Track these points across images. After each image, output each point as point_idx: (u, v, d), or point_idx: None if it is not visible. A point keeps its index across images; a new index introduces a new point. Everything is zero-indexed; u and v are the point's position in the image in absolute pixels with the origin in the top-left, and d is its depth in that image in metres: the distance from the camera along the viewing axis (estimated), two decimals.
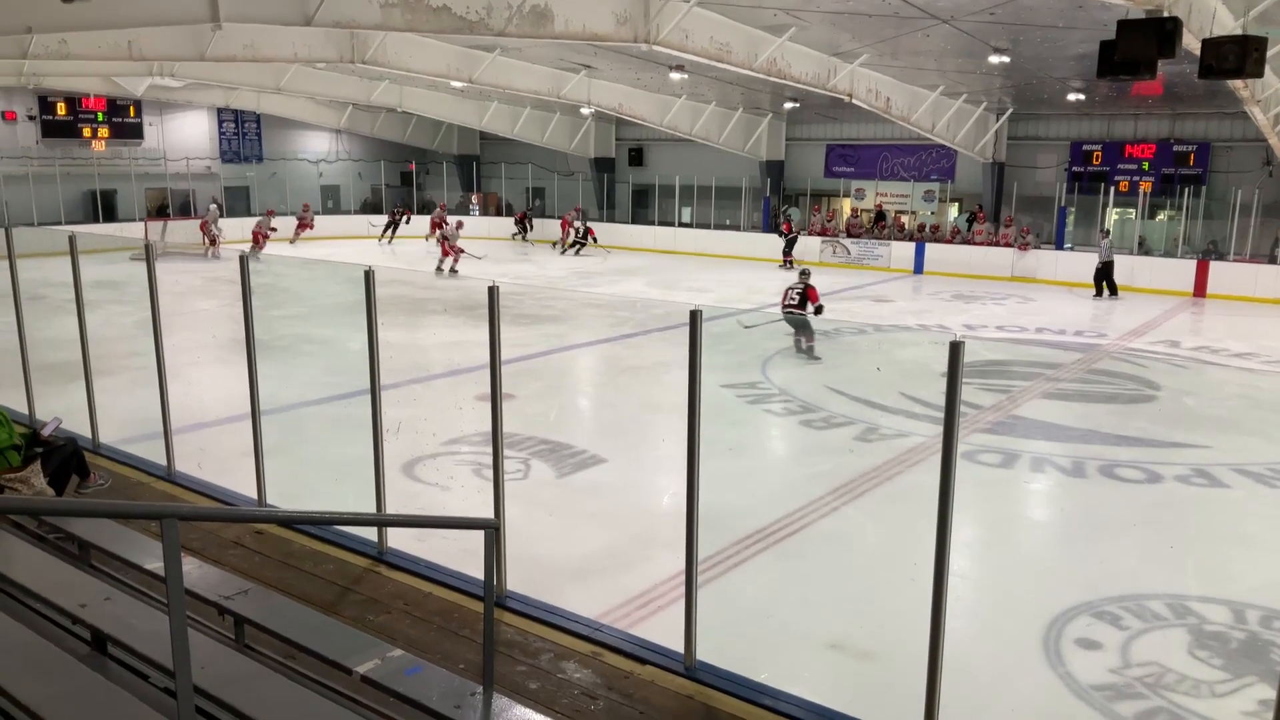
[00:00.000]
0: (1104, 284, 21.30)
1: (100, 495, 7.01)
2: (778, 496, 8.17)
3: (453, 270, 23.21)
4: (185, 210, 30.35)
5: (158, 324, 7.44)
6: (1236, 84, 14.68)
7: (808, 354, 14.72)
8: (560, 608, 5.49)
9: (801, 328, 14.66)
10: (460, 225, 25.50)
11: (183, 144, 31.55)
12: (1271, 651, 5.58)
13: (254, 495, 6.83)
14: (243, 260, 6.61)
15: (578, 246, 29.63)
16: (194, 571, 4.60)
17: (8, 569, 4.34)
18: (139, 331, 11.49)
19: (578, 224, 30.25)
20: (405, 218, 31.50)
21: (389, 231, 30.96)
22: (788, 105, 26.16)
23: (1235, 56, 9.45)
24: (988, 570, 7.05)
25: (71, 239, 7.86)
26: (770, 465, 9.75)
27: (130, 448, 8.23)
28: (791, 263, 25.17)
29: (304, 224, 29.86)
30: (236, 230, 28.59)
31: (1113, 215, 25.16)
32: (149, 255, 7.49)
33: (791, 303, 14.18)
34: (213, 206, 27.48)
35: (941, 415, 3.88)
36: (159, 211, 29.67)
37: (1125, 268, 22.62)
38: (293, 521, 6.30)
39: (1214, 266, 21.82)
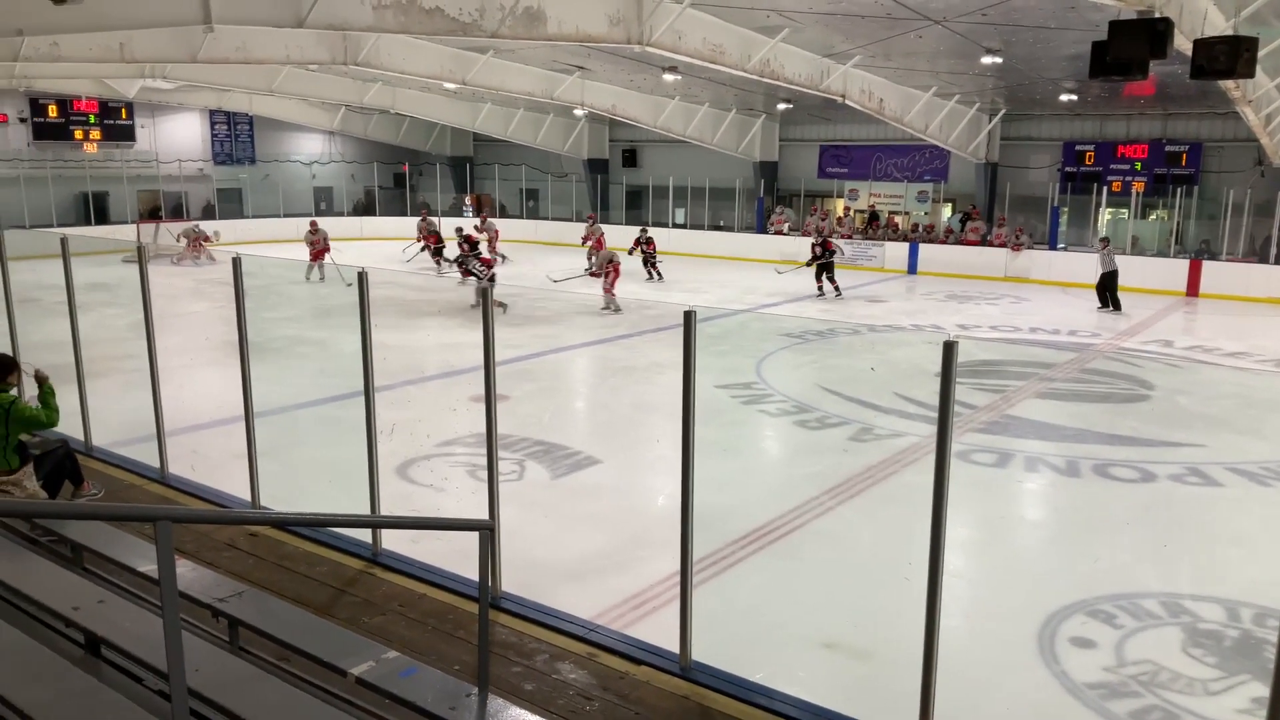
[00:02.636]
0: (1107, 295, 19.56)
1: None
2: (772, 497, 8.17)
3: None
4: (178, 212, 30.30)
5: (150, 326, 7.41)
6: (1228, 84, 14.75)
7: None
8: (555, 609, 5.49)
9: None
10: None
11: (175, 146, 31.48)
12: (1265, 649, 5.59)
13: (248, 497, 6.82)
14: (235, 263, 6.59)
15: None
16: (188, 574, 4.59)
17: (0, 572, 4.33)
18: (131, 334, 11.45)
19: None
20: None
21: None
22: (781, 106, 26.20)
23: (1226, 57, 9.50)
24: (982, 569, 7.06)
25: (63, 241, 7.83)
26: (765, 465, 9.75)
27: (123, 450, 8.20)
28: (835, 287, 20.94)
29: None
30: (230, 233, 28.54)
31: (1106, 215, 25.23)
32: (141, 258, 7.47)
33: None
34: (199, 225, 27.28)
35: (936, 415, 3.88)
36: (151, 214, 29.59)
37: (1119, 267, 22.66)
38: (287, 523, 6.29)
39: (1207, 266, 21.88)
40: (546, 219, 34.43)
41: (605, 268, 18.10)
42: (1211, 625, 5.92)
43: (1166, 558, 7.19)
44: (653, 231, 30.54)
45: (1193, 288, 21.75)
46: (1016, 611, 6.16)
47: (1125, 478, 8.81)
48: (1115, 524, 7.87)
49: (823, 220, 26.93)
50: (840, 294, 20.75)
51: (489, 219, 27.12)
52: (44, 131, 28.44)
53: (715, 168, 30.40)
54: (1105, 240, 20.55)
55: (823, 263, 20.89)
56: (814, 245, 21.16)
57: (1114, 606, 6.10)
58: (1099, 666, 5.41)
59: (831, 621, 5.99)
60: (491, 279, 17.92)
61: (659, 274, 23.27)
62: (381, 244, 29.55)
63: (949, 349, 3.73)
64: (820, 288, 20.88)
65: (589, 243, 23.10)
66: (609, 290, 17.92)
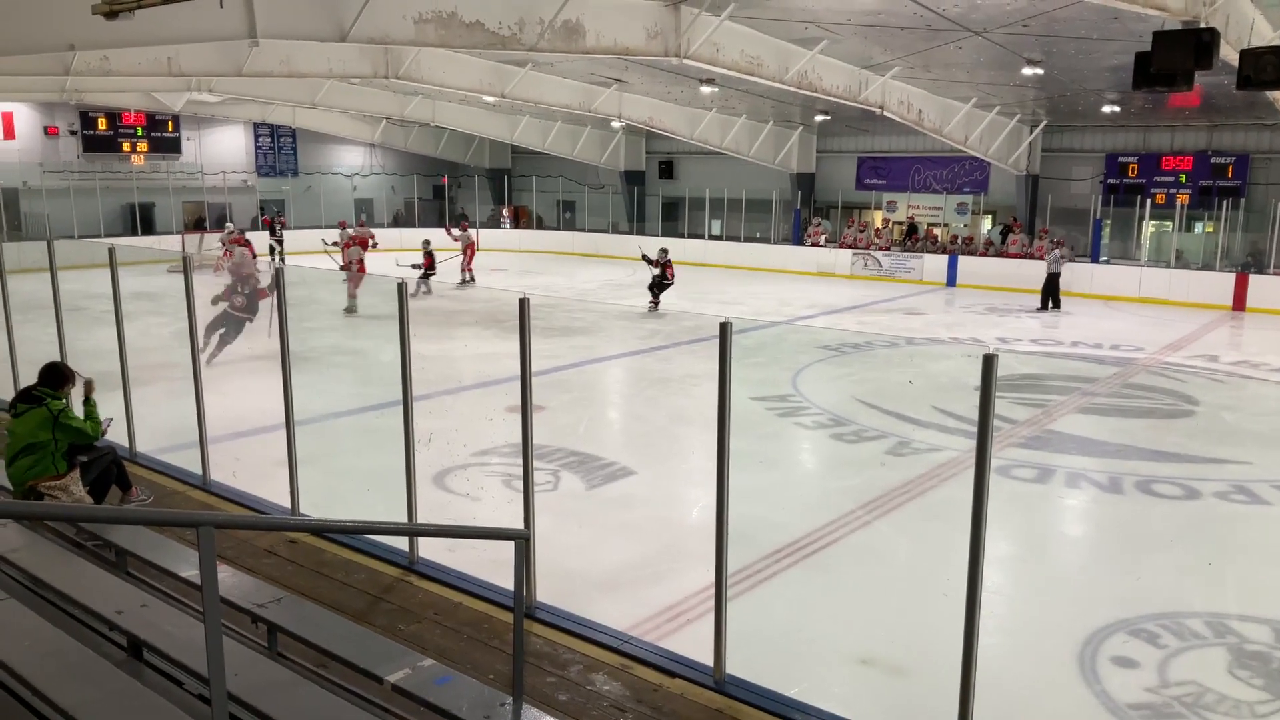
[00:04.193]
0: (1050, 297, 21.10)
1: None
2: (808, 510, 8.13)
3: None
4: (222, 224, 30.78)
5: (194, 335, 7.55)
6: (1276, 95, 14.50)
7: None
8: (590, 619, 5.49)
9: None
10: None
11: (220, 158, 32.05)
12: None
13: (287, 504, 6.90)
14: (278, 274, 6.69)
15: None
16: (228, 579, 4.65)
17: (47, 575, 4.41)
18: (175, 342, 11.65)
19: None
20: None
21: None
22: (818, 118, 26.13)
23: (1274, 67, 9.33)
24: (1022, 586, 6.96)
25: (111, 251, 7.99)
26: (801, 478, 9.69)
27: (166, 457, 8.34)
28: (656, 305, 19.60)
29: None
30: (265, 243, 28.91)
31: (1149, 228, 24.87)
32: (186, 268, 7.60)
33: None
34: (230, 226, 27.63)
35: (975, 429, 3.84)
36: (196, 224, 30.12)
37: (1163, 280, 22.36)
38: (325, 530, 6.35)
39: (1254, 280, 21.46)
40: (583, 230, 34.58)
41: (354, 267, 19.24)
42: (1258, 646, 5.79)
43: (1212, 577, 7.05)
44: (688, 243, 30.75)
45: (1239, 302, 21.35)
46: (1057, 629, 6.07)
47: (1169, 495, 8.65)
48: (1159, 541, 7.73)
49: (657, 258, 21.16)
50: (653, 309, 19.43)
51: (275, 222, 28.04)
52: (93, 144, 29.08)
53: (752, 179, 30.37)
54: (1057, 242, 21.42)
55: (658, 279, 19.57)
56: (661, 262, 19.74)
57: (1157, 626, 5.99)
58: (1141, 687, 5.31)
59: (868, 637, 5.94)
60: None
61: (426, 287, 21.01)
62: (415, 254, 29.73)
63: (988, 362, 3.69)
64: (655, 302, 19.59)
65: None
66: (353, 293, 18.72)
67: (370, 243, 23.98)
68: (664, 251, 19.84)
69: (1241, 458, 9.86)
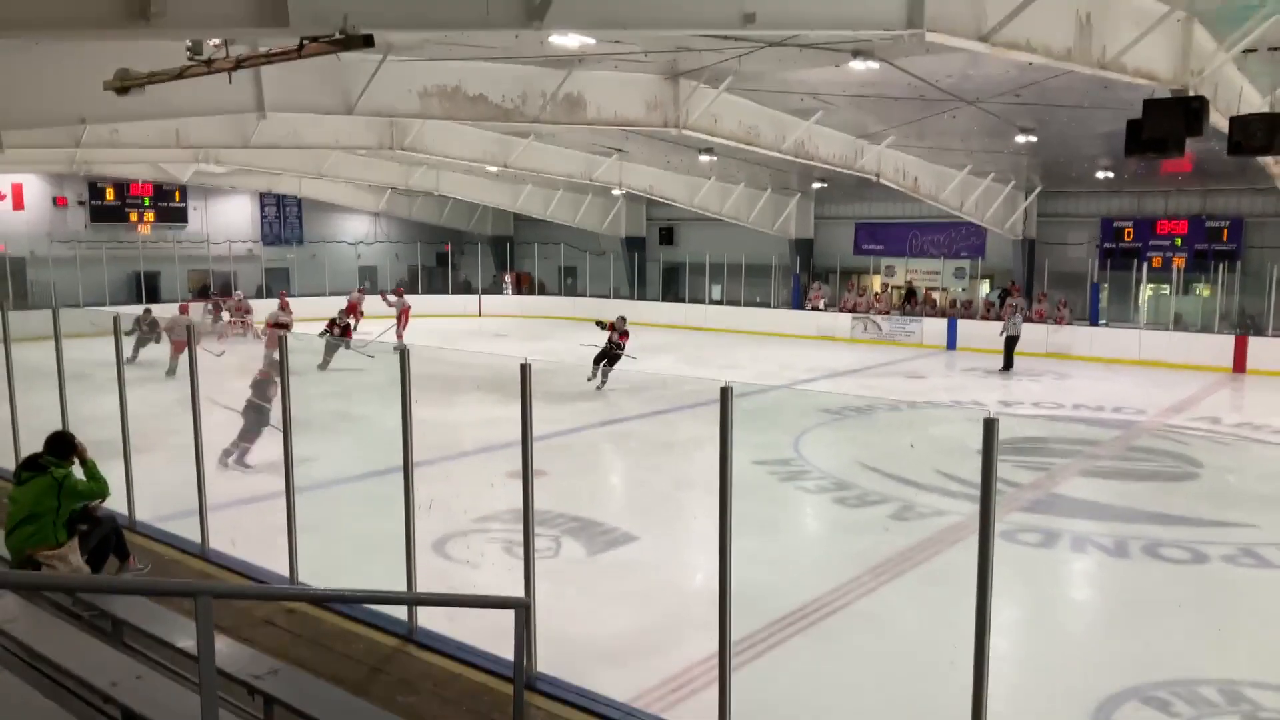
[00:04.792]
0: (1007, 359, 21.68)
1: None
2: (812, 576, 8.05)
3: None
4: (226, 292, 30.99)
5: (196, 403, 7.55)
6: (1267, 160, 14.71)
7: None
8: (592, 690, 5.40)
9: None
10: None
11: (226, 227, 32.38)
12: None
13: (287, 573, 6.84)
14: (281, 340, 6.74)
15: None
16: (225, 650, 4.59)
17: (42, 646, 4.36)
18: (178, 409, 11.62)
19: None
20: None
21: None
22: (816, 185, 26.49)
23: (1263, 133, 9.52)
24: (1030, 653, 6.86)
25: (115, 320, 8.06)
26: (804, 544, 9.62)
27: (166, 525, 8.29)
28: (603, 380, 18.24)
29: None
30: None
31: (1146, 291, 25.04)
32: (190, 336, 7.65)
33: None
34: (238, 294, 27.73)
35: (978, 493, 3.83)
36: (201, 293, 30.31)
37: (1162, 343, 22.41)
38: (324, 600, 6.29)
39: (1253, 342, 21.51)
40: (585, 295, 34.80)
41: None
42: (1272, 714, 5.69)
43: (1222, 642, 6.95)
44: (689, 308, 30.89)
45: (1239, 364, 21.38)
46: (1068, 696, 5.97)
47: (1176, 559, 8.57)
48: (1167, 606, 7.63)
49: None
50: (592, 381, 18.20)
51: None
52: (101, 214, 29.43)
53: (751, 245, 30.64)
54: (1016, 307, 22.26)
55: (614, 354, 18.33)
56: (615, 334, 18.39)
57: (1169, 693, 5.89)
58: None
59: (876, 706, 5.84)
60: None
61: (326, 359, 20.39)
62: (423, 320, 29.94)
63: (989, 426, 3.69)
64: (595, 374, 18.25)
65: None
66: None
67: (359, 309, 24.39)
68: (623, 319, 18.42)
69: (1247, 520, 9.78)
